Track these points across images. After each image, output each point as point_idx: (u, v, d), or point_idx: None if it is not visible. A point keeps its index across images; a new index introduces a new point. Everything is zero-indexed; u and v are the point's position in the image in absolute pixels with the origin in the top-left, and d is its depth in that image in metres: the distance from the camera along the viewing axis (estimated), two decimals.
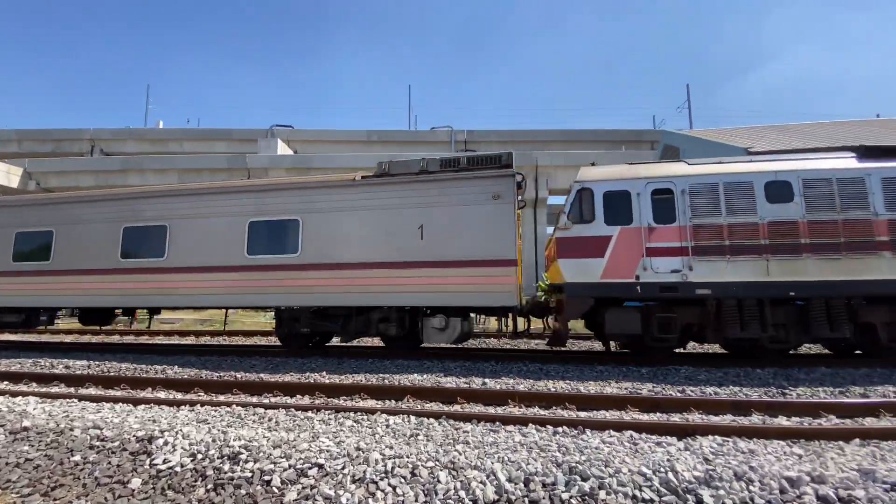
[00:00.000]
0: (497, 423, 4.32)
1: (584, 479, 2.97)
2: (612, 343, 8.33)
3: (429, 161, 8.38)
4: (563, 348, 8.80)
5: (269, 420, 4.51)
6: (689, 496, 2.81)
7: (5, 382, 6.76)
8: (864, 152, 7.21)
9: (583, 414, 4.74)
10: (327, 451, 3.44)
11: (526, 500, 2.83)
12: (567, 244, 7.42)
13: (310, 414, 4.66)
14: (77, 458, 3.63)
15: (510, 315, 8.26)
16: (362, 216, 8.32)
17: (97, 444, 3.83)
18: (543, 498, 2.83)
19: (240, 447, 3.55)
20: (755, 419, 4.54)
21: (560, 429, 4.15)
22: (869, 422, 4.42)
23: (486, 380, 6.24)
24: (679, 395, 5.46)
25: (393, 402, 5.34)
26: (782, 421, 4.47)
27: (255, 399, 5.53)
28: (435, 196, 8.07)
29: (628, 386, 5.92)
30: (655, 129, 31.13)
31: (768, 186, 7.00)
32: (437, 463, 3.24)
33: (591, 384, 6.00)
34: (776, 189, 6.99)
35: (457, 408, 5.02)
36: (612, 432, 4.05)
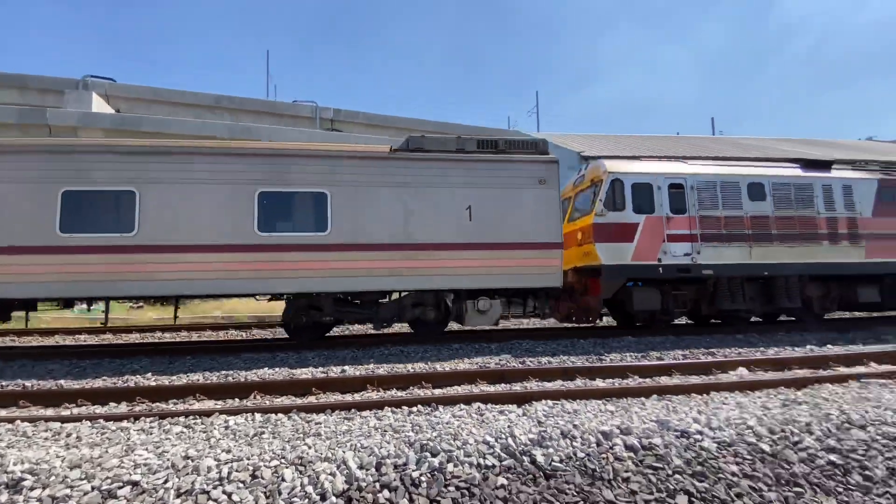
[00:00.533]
0: (352, 410, 4.22)
1: (434, 455, 3.07)
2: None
3: (465, 141, 7.99)
4: (587, 324, 9.27)
5: (68, 436, 3.66)
6: (524, 457, 3.11)
7: None
8: (806, 164, 9.60)
9: (437, 391, 4.93)
10: (145, 464, 2.92)
11: (377, 484, 2.81)
12: (603, 230, 8.26)
13: (125, 424, 3.90)
14: None
15: (544, 297, 8.36)
16: (400, 192, 7.58)
17: None
18: (394, 480, 2.84)
19: (23, 472, 2.80)
20: (579, 383, 5.28)
21: (415, 408, 4.24)
22: (664, 380, 5.42)
23: (346, 367, 6.07)
24: (520, 365, 6.06)
25: (237, 400, 4.82)
26: (599, 383, 5.28)
27: (49, 412, 4.44)
28: (484, 177, 7.82)
29: (479, 361, 6.37)
30: (510, 129, 33.98)
31: (750, 187, 8.78)
32: (282, 461, 3.00)
33: (447, 363, 6.29)
34: (755, 189, 8.79)
35: (311, 399, 4.77)
36: (463, 405, 4.28)
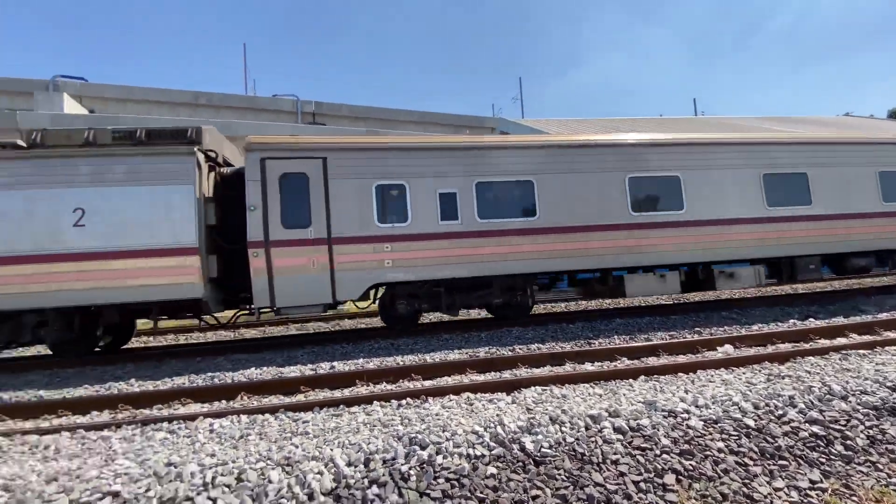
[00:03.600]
0: (341, 406, 4.17)
1: (423, 448, 3.05)
2: None
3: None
4: None
5: (46, 448, 3.56)
6: (514, 445, 3.10)
7: None
8: None
9: (427, 383, 4.90)
10: (126, 473, 2.84)
11: (366, 480, 2.78)
12: None
13: (105, 433, 3.81)
14: None
15: None
16: None
17: None
18: (383, 475, 2.81)
19: None
20: (568, 367, 5.30)
21: (404, 401, 4.21)
22: (651, 361, 5.47)
23: (336, 363, 6.02)
24: (510, 353, 6.07)
25: (224, 402, 4.74)
26: (588, 367, 5.31)
27: (28, 424, 4.32)
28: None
29: (468, 350, 6.36)
30: (494, 117, 33.80)
31: None
32: (268, 462, 2.95)
33: (437, 353, 6.27)
34: None
35: (300, 397, 4.71)
36: (452, 396, 4.26)
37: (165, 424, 3.90)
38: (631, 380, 4.64)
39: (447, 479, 2.79)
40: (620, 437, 3.22)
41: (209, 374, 5.84)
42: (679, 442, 3.18)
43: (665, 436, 3.23)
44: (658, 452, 3.08)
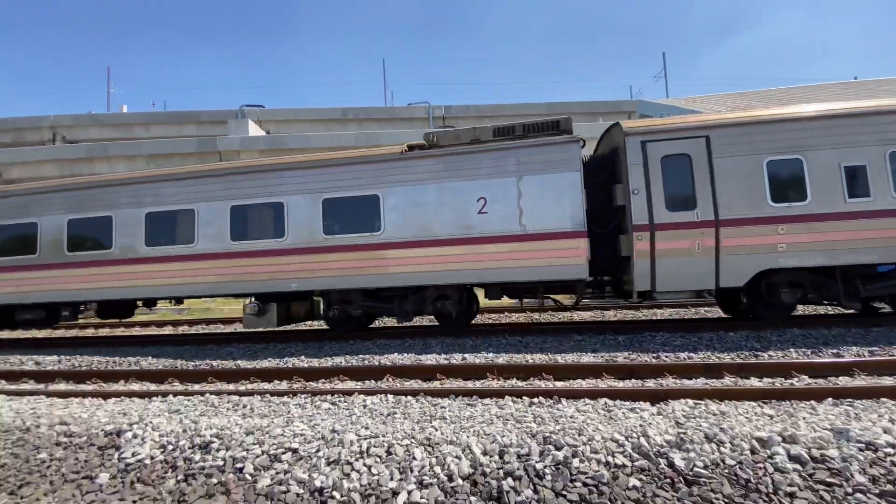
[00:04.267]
0: (474, 396, 4.33)
1: (559, 449, 2.99)
2: None
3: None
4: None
5: (244, 407, 4.44)
6: (660, 459, 2.85)
7: None
8: None
9: (559, 384, 4.79)
10: (301, 435, 3.39)
11: (501, 471, 2.84)
12: None
13: (286, 399, 4.59)
14: (43, 455, 3.52)
15: None
16: None
17: (64, 440, 3.72)
18: (518, 469, 2.85)
19: (211, 436, 3.47)
20: (727, 381, 4.65)
21: (536, 399, 4.18)
22: (843, 381, 4.49)
23: (466, 355, 6.26)
24: (654, 360, 5.55)
25: (373, 382, 5.31)
26: (754, 382, 4.58)
27: (230, 387, 5.44)
28: None
29: (605, 354, 6.01)
30: (632, 100, 31.07)
31: None
32: (412, 440, 3.22)
33: (568, 355, 6.07)
34: None
35: (436, 384, 5.02)
36: (587, 400, 4.09)
37: (328, 397, 4.55)
38: (813, 402, 3.86)
39: (584, 484, 2.69)
40: (798, 466, 2.71)
41: (360, 355, 6.59)
42: (880, 482, 2.56)
43: (860, 472, 2.63)
44: (850, 491, 2.52)
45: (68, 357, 7.83)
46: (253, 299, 9.03)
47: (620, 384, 4.73)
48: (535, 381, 5.00)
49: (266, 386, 5.38)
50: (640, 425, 3.33)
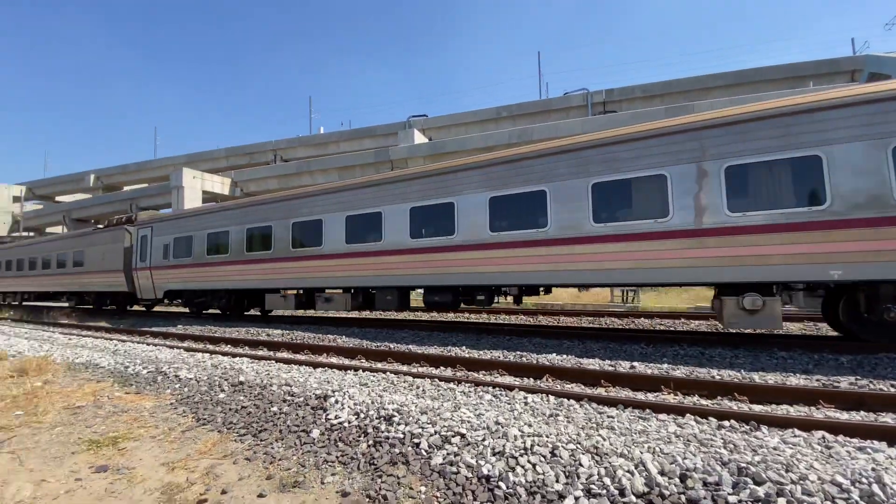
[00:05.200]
0: (647, 410, 3.96)
1: (758, 483, 2.54)
2: None
3: None
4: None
5: (417, 388, 4.92)
6: None
7: (227, 346, 8.72)
8: None
9: (757, 408, 4.04)
10: (468, 421, 3.60)
11: (683, 497, 2.55)
12: None
13: (451, 385, 4.93)
14: (275, 408, 4.48)
15: None
16: None
17: (288, 398, 4.68)
18: (704, 498, 2.51)
19: (393, 410, 3.95)
20: None
21: (726, 422, 3.61)
22: None
23: (635, 363, 5.77)
24: (893, 389, 4.25)
25: (531, 380, 5.31)
26: None
27: (405, 368, 6.09)
28: None
29: (821, 377, 4.84)
30: (856, 56, 24.03)
31: None
32: (578, 446, 3.12)
33: (769, 374, 5.07)
34: None
35: (600, 391, 4.76)
36: (798, 431, 3.36)
37: (490, 389, 4.72)
38: None
39: None
40: None
41: (517, 352, 6.67)
42: None
43: None
44: None
45: (287, 332, 9.84)
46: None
47: (845, 416, 3.77)
48: (724, 401, 4.32)
49: (434, 371, 5.87)
50: (874, 469, 2.61)
